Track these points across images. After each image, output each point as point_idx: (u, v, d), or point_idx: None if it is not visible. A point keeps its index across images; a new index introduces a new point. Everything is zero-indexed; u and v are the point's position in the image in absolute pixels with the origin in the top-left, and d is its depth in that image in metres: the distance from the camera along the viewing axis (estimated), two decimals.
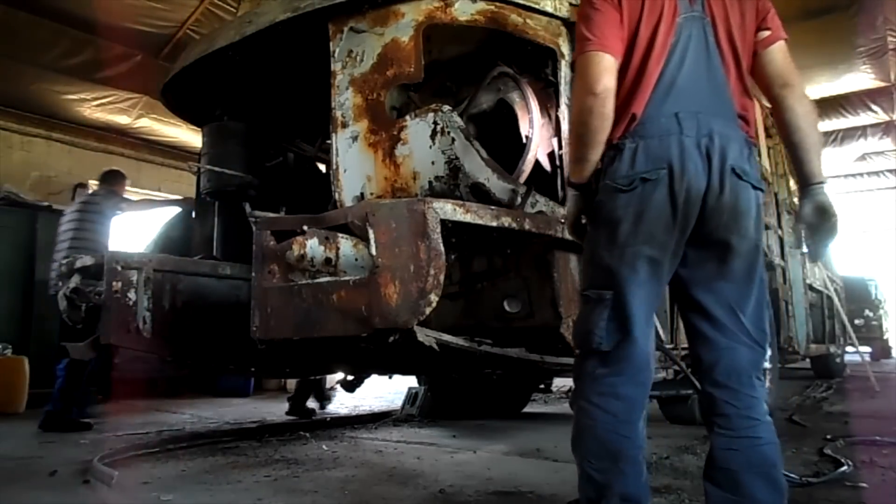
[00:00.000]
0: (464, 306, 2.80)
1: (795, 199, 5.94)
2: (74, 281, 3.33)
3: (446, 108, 2.51)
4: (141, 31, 6.63)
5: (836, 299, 7.06)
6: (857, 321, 11.98)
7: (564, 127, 2.66)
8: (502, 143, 2.79)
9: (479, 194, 2.44)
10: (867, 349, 11.01)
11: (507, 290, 2.69)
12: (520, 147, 2.74)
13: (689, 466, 3.08)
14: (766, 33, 1.79)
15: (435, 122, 2.47)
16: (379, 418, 5.19)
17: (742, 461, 1.63)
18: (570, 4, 2.78)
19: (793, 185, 5.96)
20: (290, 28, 2.84)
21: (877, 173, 11.58)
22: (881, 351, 13.30)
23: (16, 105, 7.31)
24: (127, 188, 5.44)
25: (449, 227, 2.18)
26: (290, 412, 5.28)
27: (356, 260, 2.24)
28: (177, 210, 4.20)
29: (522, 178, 2.64)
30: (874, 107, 8.74)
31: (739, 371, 1.68)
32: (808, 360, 7.38)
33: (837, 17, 6.81)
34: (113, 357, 4.71)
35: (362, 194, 2.62)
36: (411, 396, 5.33)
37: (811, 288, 6.01)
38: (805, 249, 5.87)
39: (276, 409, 5.78)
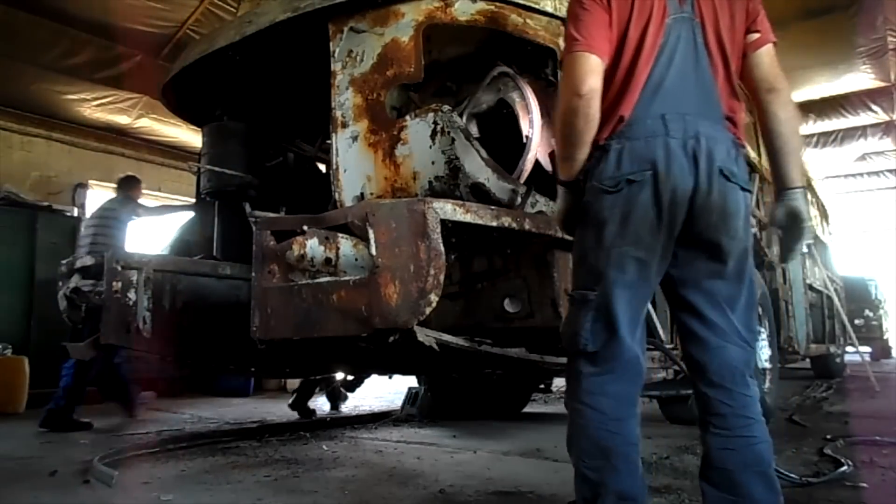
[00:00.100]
0: (464, 306, 2.80)
1: None
2: (74, 281, 3.33)
3: (446, 108, 2.50)
4: (141, 31, 6.62)
5: (836, 299, 7.06)
6: (857, 321, 11.99)
7: None
8: (502, 143, 2.79)
9: (479, 194, 2.44)
10: (867, 349, 11.02)
11: (507, 290, 2.69)
12: (520, 147, 2.74)
13: (689, 466, 3.08)
14: (756, 36, 1.79)
15: (435, 122, 2.47)
16: (379, 418, 5.19)
17: (738, 461, 1.63)
18: None
19: None
20: (290, 28, 2.84)
21: (877, 173, 11.58)
22: (881, 351, 13.32)
23: (16, 105, 7.31)
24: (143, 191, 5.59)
25: (449, 227, 2.18)
26: (293, 407, 5.35)
27: (356, 260, 2.24)
28: (192, 214, 4.21)
29: (522, 178, 2.64)
30: (874, 107, 8.73)
31: (732, 370, 1.69)
32: (808, 360, 7.38)
33: (837, 17, 6.80)
34: (113, 357, 4.72)
35: (362, 194, 2.61)
36: (411, 396, 5.33)
37: (811, 288, 6.01)
38: (805, 249, 5.87)
39: (276, 409, 5.79)
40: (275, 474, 3.10)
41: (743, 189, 1.69)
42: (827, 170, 10.85)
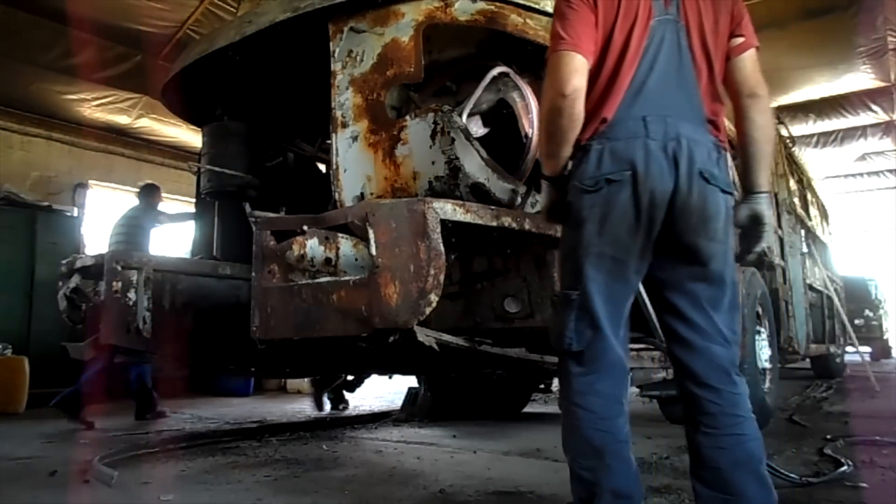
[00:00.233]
0: (464, 306, 2.80)
1: (796, 199, 5.95)
2: (74, 281, 3.33)
3: (446, 108, 2.50)
4: (141, 31, 6.63)
5: (836, 299, 7.06)
6: (857, 321, 11.99)
7: None
8: (502, 143, 2.79)
9: (479, 194, 2.44)
10: (867, 349, 11.03)
11: (507, 290, 2.69)
12: (520, 147, 2.74)
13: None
14: (740, 40, 1.79)
15: (435, 122, 2.47)
16: (379, 418, 5.19)
17: (730, 459, 1.64)
18: None
19: (793, 184, 5.97)
20: (290, 28, 2.84)
21: (877, 173, 11.59)
22: (881, 351, 13.32)
23: (16, 105, 7.32)
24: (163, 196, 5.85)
25: (449, 227, 2.18)
26: (332, 404, 5.68)
27: (356, 260, 2.24)
28: None
29: (522, 179, 2.64)
30: (874, 107, 8.74)
31: (719, 369, 1.69)
32: (808, 360, 7.38)
33: (837, 17, 6.80)
34: (112, 357, 4.73)
35: (362, 194, 2.61)
36: (411, 396, 5.33)
37: (811, 288, 6.01)
38: (805, 249, 5.88)
39: (276, 409, 5.79)
40: (275, 474, 3.10)
41: (724, 191, 1.69)
42: (827, 170, 10.85)
